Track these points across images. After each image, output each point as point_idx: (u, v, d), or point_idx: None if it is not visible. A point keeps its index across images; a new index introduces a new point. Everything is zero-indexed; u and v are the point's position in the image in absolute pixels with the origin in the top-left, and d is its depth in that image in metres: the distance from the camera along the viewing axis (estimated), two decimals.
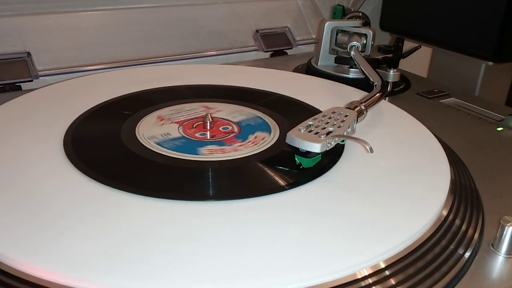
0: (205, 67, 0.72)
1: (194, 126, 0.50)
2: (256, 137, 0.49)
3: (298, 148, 0.42)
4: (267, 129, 0.51)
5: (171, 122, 0.51)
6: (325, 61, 0.75)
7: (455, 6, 0.79)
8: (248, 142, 0.47)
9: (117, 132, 0.48)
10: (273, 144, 0.47)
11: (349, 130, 0.45)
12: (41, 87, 0.62)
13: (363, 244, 0.34)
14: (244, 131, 0.50)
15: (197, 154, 0.44)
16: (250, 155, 0.45)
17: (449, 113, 0.65)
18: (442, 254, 0.36)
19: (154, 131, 0.48)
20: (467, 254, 0.37)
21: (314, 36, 0.96)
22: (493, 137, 0.59)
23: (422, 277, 0.34)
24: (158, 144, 0.46)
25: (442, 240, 0.37)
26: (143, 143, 0.46)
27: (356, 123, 0.47)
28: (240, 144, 0.47)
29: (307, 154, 0.42)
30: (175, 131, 0.49)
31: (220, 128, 0.50)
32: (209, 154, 0.44)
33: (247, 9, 0.89)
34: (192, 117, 0.52)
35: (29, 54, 0.71)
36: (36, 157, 0.43)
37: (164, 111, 0.53)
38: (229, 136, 0.48)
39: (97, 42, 0.76)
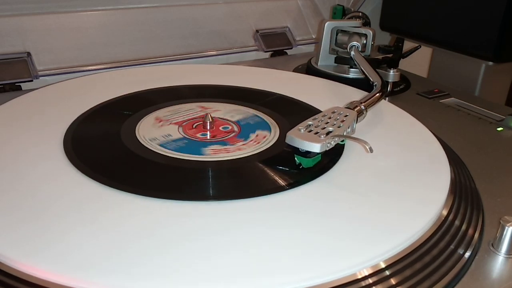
0: (204, 67, 0.72)
1: (194, 126, 0.50)
2: (257, 135, 0.49)
3: (298, 148, 0.42)
4: (266, 127, 0.51)
5: (170, 123, 0.51)
6: (325, 61, 0.75)
7: (455, 6, 0.79)
8: (250, 141, 0.47)
9: (117, 132, 0.48)
10: (273, 144, 0.47)
11: (349, 130, 0.45)
12: (41, 87, 0.62)
13: (363, 244, 0.34)
14: (244, 130, 0.50)
15: (202, 155, 0.44)
16: (250, 155, 0.45)
17: (449, 113, 0.65)
18: (442, 254, 0.36)
19: (155, 133, 0.48)
20: (467, 254, 0.37)
21: (314, 36, 0.96)
22: (493, 137, 0.59)
23: (422, 277, 0.34)
24: (161, 145, 0.45)
25: (442, 240, 0.37)
26: (143, 143, 0.46)
27: (356, 123, 0.47)
28: (242, 143, 0.47)
29: (307, 154, 0.42)
30: (175, 132, 0.49)
31: (220, 128, 0.50)
32: (214, 154, 0.44)
33: (247, 9, 0.89)
34: (191, 117, 0.52)
35: (29, 54, 0.71)
36: (36, 157, 0.43)
37: (162, 112, 0.53)
38: (230, 136, 0.48)
39: (97, 42, 0.76)
